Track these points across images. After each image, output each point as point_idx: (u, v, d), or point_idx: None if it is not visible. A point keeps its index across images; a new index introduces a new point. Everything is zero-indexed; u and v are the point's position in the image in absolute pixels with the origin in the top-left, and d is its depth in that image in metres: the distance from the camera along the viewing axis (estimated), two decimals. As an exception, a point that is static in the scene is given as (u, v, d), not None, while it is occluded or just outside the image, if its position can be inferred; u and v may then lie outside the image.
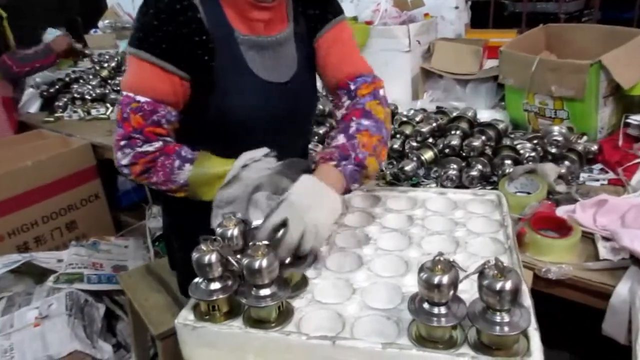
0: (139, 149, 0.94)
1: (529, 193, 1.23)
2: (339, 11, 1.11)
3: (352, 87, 1.07)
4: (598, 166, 1.40)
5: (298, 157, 1.04)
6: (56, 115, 2.63)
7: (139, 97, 0.93)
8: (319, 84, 1.20)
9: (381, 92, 1.08)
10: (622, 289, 0.92)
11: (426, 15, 2.23)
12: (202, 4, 0.94)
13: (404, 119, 1.63)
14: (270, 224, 0.81)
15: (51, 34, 2.95)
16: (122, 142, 0.94)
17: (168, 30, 0.91)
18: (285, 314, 0.77)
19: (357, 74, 1.08)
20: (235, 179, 0.91)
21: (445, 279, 0.65)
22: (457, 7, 2.29)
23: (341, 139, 0.98)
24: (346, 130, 0.99)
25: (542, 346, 0.66)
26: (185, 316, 0.78)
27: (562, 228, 1.08)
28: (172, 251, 1.33)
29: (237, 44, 0.97)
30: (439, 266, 0.66)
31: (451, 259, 0.67)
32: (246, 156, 0.93)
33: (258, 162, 0.93)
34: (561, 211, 1.14)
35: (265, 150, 0.96)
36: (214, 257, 0.76)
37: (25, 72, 2.62)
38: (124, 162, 0.95)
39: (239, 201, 0.91)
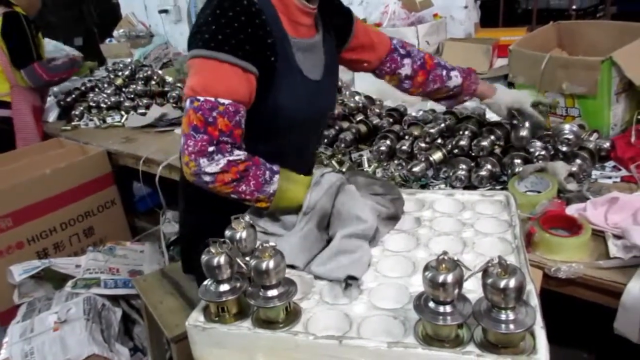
0: (230, 157, 0.93)
1: (539, 192, 1.22)
2: (349, 10, 1.26)
3: (397, 46, 1.33)
4: (610, 163, 1.38)
5: (316, 153, 1.43)
6: (73, 123, 2.69)
7: (221, 100, 0.93)
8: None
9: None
10: (633, 287, 0.91)
11: (435, 15, 2.23)
12: (264, 9, 0.97)
13: (413, 120, 1.63)
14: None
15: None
16: (211, 148, 0.92)
17: (249, 32, 0.93)
18: (293, 315, 0.78)
19: (388, 39, 1.33)
20: (316, 185, 0.99)
21: (450, 278, 0.65)
22: (466, 7, 2.29)
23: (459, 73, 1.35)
24: (450, 70, 1.35)
25: (549, 345, 0.66)
26: (196, 317, 0.80)
27: (572, 226, 1.07)
28: (188, 254, 1.33)
29: (290, 46, 1.03)
30: (444, 265, 0.66)
31: (455, 258, 0.67)
32: (320, 170, 1.02)
33: (330, 173, 1.01)
34: (572, 209, 1.13)
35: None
36: (222, 259, 0.77)
37: (54, 81, 2.70)
38: (211, 169, 0.92)
39: (326, 196, 0.97)
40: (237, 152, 0.95)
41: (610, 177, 1.31)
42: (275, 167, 1.00)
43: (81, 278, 1.86)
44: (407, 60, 1.32)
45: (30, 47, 2.50)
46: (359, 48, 1.27)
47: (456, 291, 0.66)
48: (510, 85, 1.81)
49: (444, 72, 1.34)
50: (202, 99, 0.92)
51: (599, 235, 1.07)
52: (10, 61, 2.49)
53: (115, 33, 3.83)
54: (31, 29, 2.48)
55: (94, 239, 2.35)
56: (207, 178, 0.93)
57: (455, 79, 1.34)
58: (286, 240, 0.94)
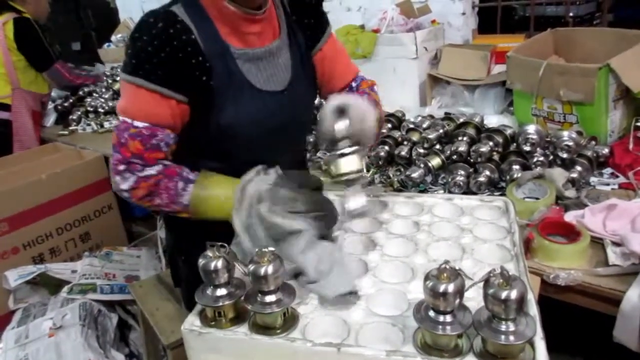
0: (140, 174, 0.93)
1: (537, 198, 1.22)
2: (327, 20, 1.16)
3: (354, 84, 1.20)
4: (608, 170, 1.38)
5: (296, 167, 1.13)
6: (70, 128, 2.69)
7: (136, 123, 0.92)
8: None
9: (375, 88, 1.22)
10: (632, 295, 0.91)
11: (433, 21, 2.24)
12: (195, 25, 0.93)
13: (411, 126, 1.63)
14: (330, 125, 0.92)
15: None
16: (121, 167, 0.93)
17: (163, 56, 0.90)
18: (290, 320, 0.77)
19: (355, 76, 1.22)
20: (241, 201, 0.89)
21: (451, 288, 0.64)
22: (464, 13, 2.30)
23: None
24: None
25: (550, 355, 0.65)
26: (192, 322, 0.79)
27: (570, 233, 1.07)
28: (175, 268, 1.32)
29: (234, 58, 0.98)
30: (445, 274, 0.65)
31: (457, 267, 0.66)
32: (244, 178, 0.92)
33: (253, 181, 0.91)
34: (570, 216, 1.13)
35: (258, 168, 0.93)
36: (220, 263, 0.77)
37: (77, 82, 2.85)
38: (124, 186, 0.93)
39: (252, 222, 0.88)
40: (148, 169, 0.93)
41: (608, 184, 1.32)
42: (193, 176, 0.95)
43: (77, 283, 1.85)
44: None
45: (48, 49, 2.61)
46: (318, 66, 1.15)
47: (457, 301, 0.65)
48: (508, 91, 1.82)
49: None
50: (121, 119, 0.93)
51: (597, 242, 1.07)
52: (32, 66, 2.59)
53: (113, 38, 3.82)
54: (43, 31, 2.58)
55: (90, 244, 2.34)
56: (125, 194, 0.95)
57: None
58: None
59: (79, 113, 2.75)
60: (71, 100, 2.89)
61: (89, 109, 2.74)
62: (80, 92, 2.93)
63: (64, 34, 4.74)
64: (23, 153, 2.52)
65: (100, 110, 2.70)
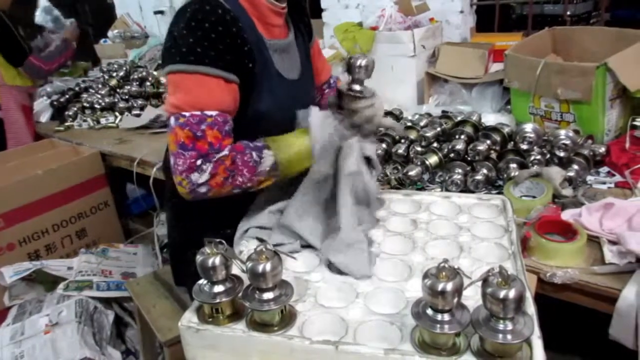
0: (215, 160, 0.92)
1: (534, 197, 1.23)
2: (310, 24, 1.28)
3: (332, 81, 1.34)
4: (605, 169, 1.39)
5: None
6: (67, 124, 2.68)
7: (208, 112, 0.92)
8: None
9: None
10: (628, 293, 0.91)
11: (431, 19, 2.24)
12: (239, 16, 0.96)
13: (409, 123, 1.63)
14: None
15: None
16: (199, 161, 0.91)
17: (227, 42, 0.92)
18: (288, 318, 0.77)
19: (330, 75, 1.35)
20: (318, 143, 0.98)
21: (449, 286, 0.64)
22: (462, 12, 2.30)
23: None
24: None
25: (546, 353, 0.66)
26: (189, 318, 0.79)
27: (567, 232, 1.07)
28: (179, 267, 1.31)
29: (267, 48, 1.02)
30: (444, 273, 0.65)
31: (456, 266, 0.66)
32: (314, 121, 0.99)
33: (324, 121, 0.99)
34: (567, 215, 1.13)
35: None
36: (218, 260, 0.77)
37: (55, 68, 2.73)
38: (203, 179, 0.91)
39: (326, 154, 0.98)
40: (219, 153, 0.93)
41: (604, 183, 1.32)
42: (259, 143, 0.97)
43: (73, 280, 1.84)
44: (328, 92, 1.33)
45: (20, 42, 2.49)
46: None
47: (455, 300, 0.65)
48: (505, 90, 1.83)
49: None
50: (187, 114, 0.91)
51: (594, 241, 1.07)
52: (7, 61, 2.49)
53: (110, 34, 3.80)
54: (13, 22, 2.46)
55: (87, 240, 2.33)
56: (202, 190, 0.92)
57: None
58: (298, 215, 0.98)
59: (75, 109, 2.73)
60: (67, 96, 2.88)
61: (85, 104, 2.72)
62: (77, 88, 2.92)
63: (60, 29, 4.71)
64: (19, 149, 2.50)
65: (97, 106, 2.68)
